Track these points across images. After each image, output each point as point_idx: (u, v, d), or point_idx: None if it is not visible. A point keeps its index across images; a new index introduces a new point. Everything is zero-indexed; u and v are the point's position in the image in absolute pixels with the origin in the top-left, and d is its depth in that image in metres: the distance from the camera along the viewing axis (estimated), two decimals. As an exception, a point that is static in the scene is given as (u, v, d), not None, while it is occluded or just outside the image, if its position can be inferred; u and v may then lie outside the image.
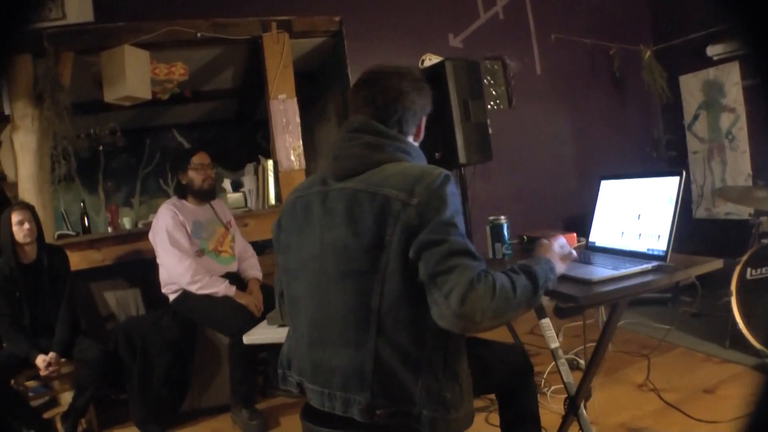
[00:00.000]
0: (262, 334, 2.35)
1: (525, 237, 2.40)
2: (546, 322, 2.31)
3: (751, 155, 5.07)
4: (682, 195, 1.91)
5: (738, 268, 3.48)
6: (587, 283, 1.77)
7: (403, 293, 1.42)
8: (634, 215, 2.09)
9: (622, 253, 2.09)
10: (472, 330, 1.42)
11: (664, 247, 1.89)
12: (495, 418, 2.88)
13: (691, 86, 5.51)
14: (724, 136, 5.28)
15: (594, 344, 2.92)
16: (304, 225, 1.61)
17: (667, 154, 5.71)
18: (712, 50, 5.09)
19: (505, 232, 2.24)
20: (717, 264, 1.89)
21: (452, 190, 1.46)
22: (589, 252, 2.23)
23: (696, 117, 5.52)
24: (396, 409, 1.45)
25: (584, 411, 2.18)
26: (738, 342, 3.45)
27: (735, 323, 3.41)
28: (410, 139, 1.67)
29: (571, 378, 2.32)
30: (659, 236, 1.94)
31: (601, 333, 1.99)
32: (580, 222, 5.07)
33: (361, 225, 1.46)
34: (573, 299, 1.69)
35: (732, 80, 5.11)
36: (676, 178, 1.93)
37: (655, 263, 1.86)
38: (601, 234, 2.27)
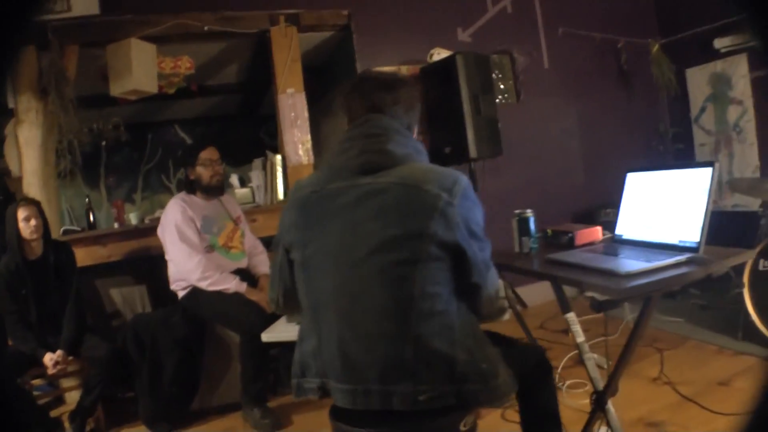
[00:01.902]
0: (280, 332, 2.29)
1: (549, 231, 2.36)
2: (571, 316, 2.27)
3: (758, 147, 5.06)
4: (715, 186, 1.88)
5: (750, 261, 3.46)
6: (621, 275, 1.73)
7: (438, 279, 1.51)
8: (664, 207, 2.07)
9: (651, 246, 2.06)
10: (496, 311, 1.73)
11: (698, 239, 1.87)
12: (511, 414, 2.87)
13: (698, 79, 5.49)
14: (731, 128, 5.26)
15: (603, 338, 2.91)
16: (326, 219, 1.59)
17: (674, 147, 5.69)
18: (720, 43, 5.08)
19: (532, 226, 2.21)
20: (749, 255, 1.88)
21: (474, 194, 1.60)
22: (616, 245, 2.21)
23: (703, 110, 5.51)
24: (439, 391, 1.49)
25: (611, 407, 2.15)
26: (751, 333, 3.45)
27: (747, 315, 3.42)
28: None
29: (597, 373, 2.29)
30: (691, 228, 1.91)
31: (634, 326, 1.95)
32: (588, 215, 5.09)
33: (402, 216, 1.50)
34: (609, 292, 1.66)
35: (739, 73, 5.10)
36: (709, 169, 1.91)
37: (688, 255, 1.83)
38: (628, 226, 2.24)
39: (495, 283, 1.66)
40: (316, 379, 1.64)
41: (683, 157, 5.61)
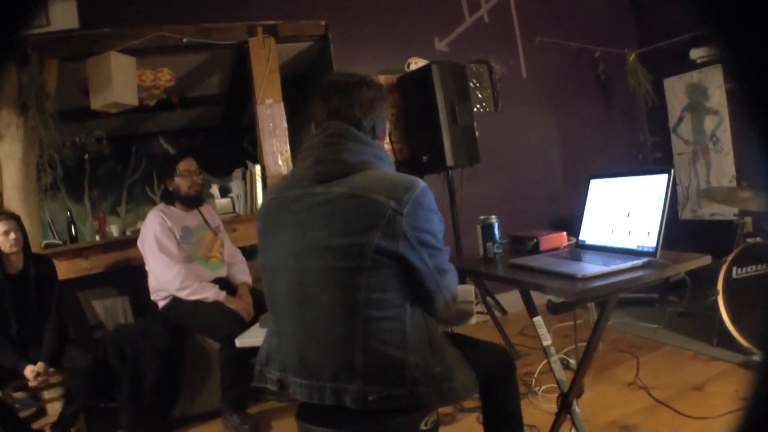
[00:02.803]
0: (254, 336, 2.34)
1: (515, 237, 2.40)
2: (538, 320, 2.32)
3: (734, 157, 5.13)
4: (671, 192, 1.93)
5: (724, 268, 3.51)
6: (577, 278, 1.78)
7: (386, 285, 1.53)
8: (624, 213, 2.12)
9: (612, 251, 2.11)
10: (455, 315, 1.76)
11: (654, 244, 1.92)
12: (488, 418, 2.90)
13: (676, 89, 5.57)
14: (708, 138, 5.33)
15: (584, 344, 2.96)
16: (281, 226, 1.65)
17: (653, 155, 5.76)
18: (695, 53, 5.15)
19: (496, 232, 2.25)
20: (705, 260, 1.92)
21: (432, 200, 1.60)
22: (579, 250, 2.25)
23: (681, 119, 5.58)
24: (389, 393, 1.52)
25: (577, 408, 2.19)
26: (725, 340, 3.49)
27: (722, 322, 3.44)
28: (377, 142, 1.76)
29: (563, 375, 2.33)
30: (649, 233, 1.96)
31: (593, 329, 2.01)
32: (568, 222, 5.08)
33: (348, 225, 1.52)
34: (564, 294, 1.70)
35: (715, 83, 5.17)
36: (665, 176, 1.96)
37: (645, 259, 1.88)
38: (590, 232, 2.29)
39: (451, 288, 1.68)
40: (277, 372, 1.71)
41: (662, 166, 5.67)
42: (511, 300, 4.65)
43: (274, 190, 1.73)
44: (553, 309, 1.95)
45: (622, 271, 1.81)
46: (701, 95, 5.33)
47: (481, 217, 2.27)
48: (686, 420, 2.72)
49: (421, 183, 1.58)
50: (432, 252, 1.58)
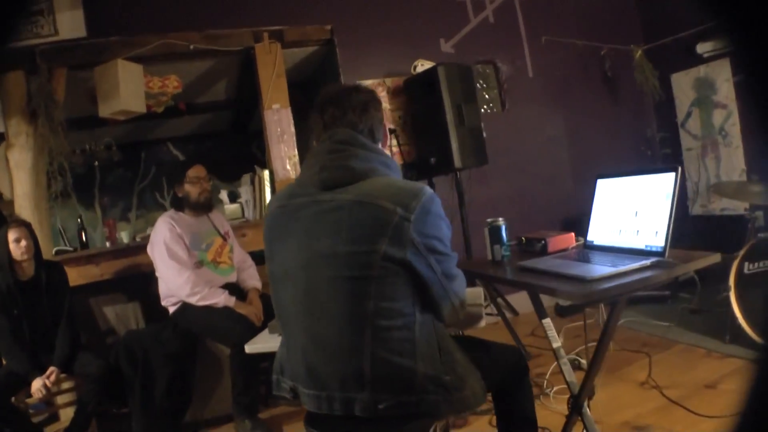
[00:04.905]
0: (264, 342, 2.35)
1: (523, 239, 2.40)
2: (547, 321, 2.31)
3: (744, 151, 5.09)
4: (679, 190, 1.92)
5: (736, 263, 3.49)
6: (585, 281, 1.77)
7: (395, 294, 1.51)
8: (632, 212, 2.11)
9: (620, 251, 2.10)
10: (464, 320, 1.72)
11: (662, 243, 1.91)
12: (499, 420, 2.90)
13: (683, 84, 5.54)
14: (717, 132, 5.30)
15: (595, 344, 2.95)
16: (288, 234, 1.64)
17: (662, 152, 5.73)
18: (702, 48, 5.13)
19: (504, 234, 2.25)
20: (715, 258, 1.91)
21: (440, 207, 1.59)
22: (587, 251, 2.25)
23: (689, 114, 5.55)
24: (397, 400, 1.52)
25: (588, 410, 2.18)
26: (738, 336, 3.46)
27: (734, 318, 3.41)
28: (379, 145, 1.76)
29: (574, 377, 2.32)
30: (657, 232, 1.95)
31: (602, 330, 2.00)
32: (578, 222, 5.05)
33: (355, 233, 1.51)
34: (573, 297, 1.69)
35: (723, 77, 5.14)
36: (672, 174, 1.95)
37: (653, 259, 1.87)
38: (598, 232, 2.28)
39: (459, 293, 1.66)
40: (290, 381, 1.71)
41: (671, 162, 5.63)
42: (522, 301, 4.63)
43: (279, 198, 1.73)
44: (562, 311, 1.94)
45: (631, 271, 1.81)
46: (709, 89, 5.29)
47: (489, 220, 2.26)
48: (700, 419, 2.70)
49: (428, 190, 1.57)
50: (440, 258, 1.57)
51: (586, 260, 2.07)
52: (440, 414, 1.61)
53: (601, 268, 1.86)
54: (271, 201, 1.75)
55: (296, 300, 1.61)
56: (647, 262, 1.85)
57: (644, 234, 2.02)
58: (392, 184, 1.58)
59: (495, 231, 2.23)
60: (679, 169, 1.94)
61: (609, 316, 1.95)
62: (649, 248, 1.96)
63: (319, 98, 1.75)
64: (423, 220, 1.52)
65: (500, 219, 2.24)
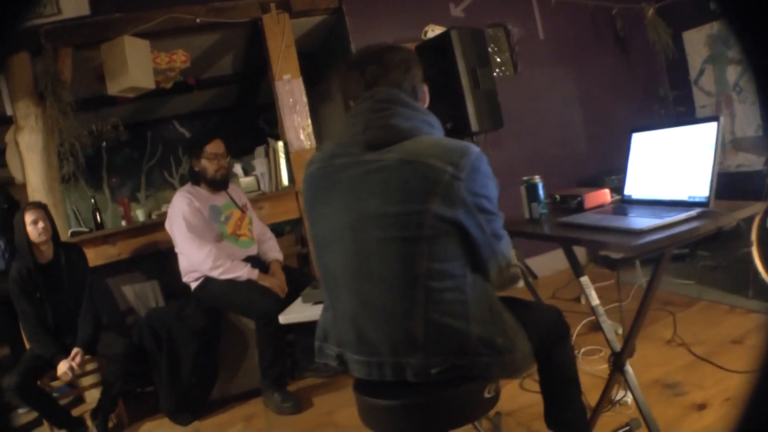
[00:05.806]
0: (297, 312, 2.32)
1: (557, 196, 2.35)
2: (585, 279, 2.28)
3: (760, 105, 5.02)
4: (720, 140, 1.88)
5: (758, 218, 3.45)
6: (635, 232, 1.73)
7: (447, 254, 1.48)
8: (671, 165, 2.06)
9: (661, 203, 2.05)
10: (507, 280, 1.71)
11: (707, 193, 1.87)
12: (530, 383, 2.89)
13: (696, 41, 5.45)
14: (731, 88, 5.23)
15: (617, 305, 2.92)
16: (332, 195, 1.59)
17: (675, 110, 5.67)
18: (716, 4, 5.03)
19: (541, 191, 2.20)
20: (759, 207, 1.87)
21: (487, 165, 1.55)
22: (626, 205, 2.20)
23: (702, 71, 5.47)
24: (451, 363, 1.50)
25: (629, 368, 2.16)
26: (761, 291, 3.45)
27: (757, 273, 3.38)
28: (420, 104, 1.71)
29: (614, 335, 2.29)
30: (700, 183, 1.91)
31: (649, 283, 1.96)
32: (593, 182, 5.07)
33: (405, 193, 1.47)
34: (624, 249, 1.66)
35: (737, 32, 5.05)
36: (714, 123, 1.90)
37: (698, 210, 1.83)
38: (636, 186, 2.23)
39: (506, 253, 1.64)
40: (335, 347, 1.68)
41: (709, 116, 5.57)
42: (540, 264, 4.63)
43: (320, 159, 1.67)
44: (611, 264, 1.90)
45: (678, 222, 1.76)
46: (723, 45, 5.21)
47: (525, 178, 2.22)
48: (730, 374, 2.69)
49: (476, 148, 1.53)
50: (489, 217, 1.53)
51: (627, 214, 2.03)
52: (491, 376, 1.58)
53: (647, 220, 1.82)
54: (309, 163, 1.69)
55: (344, 263, 1.57)
56: (693, 212, 1.81)
57: (685, 185, 1.97)
58: (438, 142, 1.53)
59: (532, 188, 2.19)
60: (721, 118, 1.90)
61: (654, 268, 1.92)
62: (692, 199, 1.92)
63: (355, 57, 1.70)
64: (473, 179, 1.48)
65: (536, 177, 2.20)
